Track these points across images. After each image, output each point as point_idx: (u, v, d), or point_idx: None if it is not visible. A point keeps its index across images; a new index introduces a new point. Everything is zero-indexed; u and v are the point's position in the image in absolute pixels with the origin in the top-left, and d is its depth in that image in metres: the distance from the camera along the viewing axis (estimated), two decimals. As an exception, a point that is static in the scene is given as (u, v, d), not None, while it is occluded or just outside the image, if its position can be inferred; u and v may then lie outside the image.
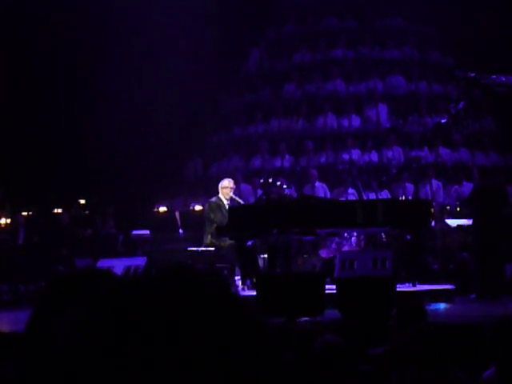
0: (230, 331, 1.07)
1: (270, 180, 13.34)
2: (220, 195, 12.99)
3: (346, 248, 14.55)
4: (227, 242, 12.38)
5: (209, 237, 12.60)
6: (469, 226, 13.33)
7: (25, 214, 16.28)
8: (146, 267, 10.47)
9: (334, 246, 14.87)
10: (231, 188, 13.11)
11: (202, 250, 12.43)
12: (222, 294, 1.12)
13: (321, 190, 16.85)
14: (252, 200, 16.14)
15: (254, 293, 10.30)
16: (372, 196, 15.84)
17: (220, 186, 13.11)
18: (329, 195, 16.73)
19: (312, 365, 5.32)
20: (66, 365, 1.07)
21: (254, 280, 11.37)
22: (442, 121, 16.57)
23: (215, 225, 12.52)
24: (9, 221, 15.69)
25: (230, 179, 13.34)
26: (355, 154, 18.77)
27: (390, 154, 18.91)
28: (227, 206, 12.78)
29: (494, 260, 12.27)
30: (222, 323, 1.07)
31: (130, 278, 1.17)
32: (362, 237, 14.55)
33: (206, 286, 1.12)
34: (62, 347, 1.10)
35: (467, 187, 15.26)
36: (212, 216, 12.66)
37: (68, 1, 19.43)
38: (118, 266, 10.32)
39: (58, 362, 1.09)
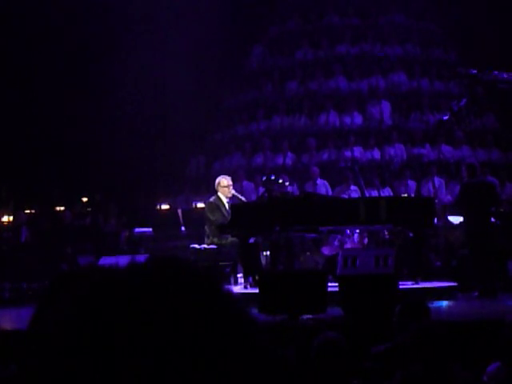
0: (216, 327, 1.07)
1: (273, 177, 13.32)
2: (219, 194, 12.81)
3: (348, 245, 14.55)
4: (229, 240, 12.36)
5: (210, 237, 12.55)
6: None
7: (27, 211, 16.29)
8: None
9: (336, 243, 14.87)
10: (230, 186, 12.96)
11: (204, 248, 12.42)
12: (211, 289, 1.11)
13: (322, 187, 16.85)
14: (254, 197, 16.14)
15: (257, 290, 10.30)
16: (374, 193, 15.85)
17: (218, 185, 12.86)
18: (330, 192, 16.73)
19: (312, 361, 5.32)
20: (62, 362, 1.07)
21: (257, 277, 11.37)
22: (444, 118, 16.55)
23: (213, 226, 12.46)
24: (11, 218, 15.71)
25: (226, 177, 13.11)
26: (357, 151, 18.78)
27: (392, 151, 18.91)
28: (227, 205, 12.70)
29: (492, 257, 12.24)
30: (210, 319, 1.07)
31: (115, 274, 1.17)
32: (364, 234, 14.55)
33: (194, 281, 1.12)
34: (54, 343, 1.10)
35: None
36: (210, 216, 12.59)
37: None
38: (121, 263, 10.30)
39: (56, 359, 1.09)
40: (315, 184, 16.87)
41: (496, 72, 14.39)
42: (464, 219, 12.72)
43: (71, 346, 1.05)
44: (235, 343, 1.08)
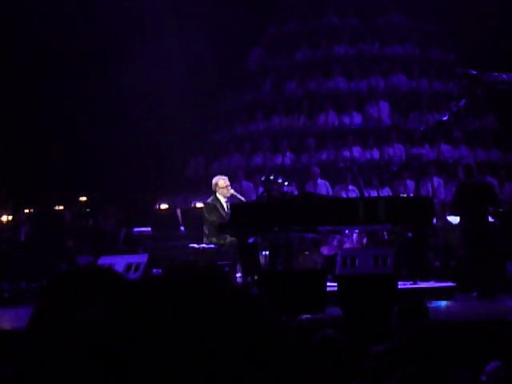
0: (236, 330, 1.07)
1: (272, 177, 13.31)
2: (217, 195, 12.78)
3: (347, 245, 14.56)
4: (227, 239, 12.36)
5: (208, 237, 12.55)
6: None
7: (26, 211, 16.28)
8: (147, 264, 10.47)
9: (335, 243, 14.88)
10: (228, 186, 12.92)
11: (203, 248, 12.42)
12: (228, 292, 1.12)
13: (323, 187, 16.86)
14: (253, 197, 16.14)
15: (255, 290, 10.30)
16: (373, 193, 15.86)
17: (216, 186, 12.78)
18: (331, 192, 16.75)
19: (311, 359, 5.32)
20: (68, 360, 1.07)
21: (255, 277, 11.37)
22: (444, 118, 16.54)
23: (211, 226, 12.46)
24: (10, 218, 15.69)
25: (224, 177, 13.02)
26: (356, 151, 18.79)
27: (391, 151, 18.91)
28: (225, 205, 12.68)
29: (490, 258, 12.22)
30: (228, 323, 1.07)
31: (142, 277, 1.17)
32: (363, 234, 14.55)
33: (210, 285, 1.12)
34: (67, 342, 1.10)
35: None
36: (208, 217, 12.58)
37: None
38: (120, 263, 10.31)
39: (60, 359, 1.09)
40: (316, 184, 16.87)
41: (495, 73, 14.38)
42: (461, 220, 12.70)
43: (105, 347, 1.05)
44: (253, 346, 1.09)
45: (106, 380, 1.03)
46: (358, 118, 19.71)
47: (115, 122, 19.05)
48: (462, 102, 15.94)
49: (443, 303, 11.18)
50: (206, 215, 12.63)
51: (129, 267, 10.28)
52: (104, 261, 10.82)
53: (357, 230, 14.19)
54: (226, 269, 12.28)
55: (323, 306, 9.54)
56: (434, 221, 13.14)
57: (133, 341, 1.04)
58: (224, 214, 12.51)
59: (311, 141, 19.19)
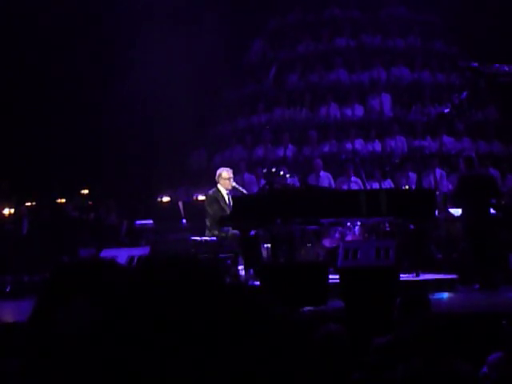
0: (229, 321, 1.08)
1: (274, 170, 13.30)
2: (219, 186, 12.77)
3: (349, 237, 14.55)
4: (229, 232, 12.35)
5: (210, 229, 12.54)
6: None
7: (28, 204, 16.27)
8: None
9: (337, 235, 14.87)
10: (231, 178, 12.91)
11: (205, 240, 12.42)
12: (219, 284, 1.12)
13: (326, 179, 16.86)
14: (255, 190, 16.13)
15: (257, 283, 10.31)
16: (375, 185, 15.85)
17: (219, 177, 12.79)
18: (334, 185, 16.75)
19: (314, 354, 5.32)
20: (69, 352, 1.07)
21: (257, 270, 11.37)
22: (445, 111, 16.53)
23: (213, 219, 12.46)
24: (12, 211, 15.69)
25: (228, 169, 13.03)
26: (358, 143, 18.78)
27: (393, 143, 18.91)
28: (227, 197, 12.67)
29: (492, 250, 12.22)
30: (221, 314, 1.08)
31: (133, 268, 1.17)
32: (365, 226, 14.54)
33: (202, 278, 1.12)
34: (67, 335, 1.10)
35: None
36: (209, 210, 12.58)
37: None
38: (122, 255, 10.32)
39: (60, 350, 1.09)
40: (318, 176, 16.87)
41: (497, 65, 14.37)
42: (463, 212, 12.71)
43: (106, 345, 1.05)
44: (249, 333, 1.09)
45: (106, 370, 1.03)
46: (359, 110, 19.70)
47: (117, 115, 19.03)
48: (464, 94, 15.94)
49: (445, 295, 11.19)
50: (208, 207, 12.63)
51: (131, 260, 10.29)
52: (106, 253, 10.85)
53: (359, 222, 14.19)
54: (228, 261, 12.29)
55: (325, 299, 9.55)
56: (436, 213, 13.12)
57: (131, 335, 1.04)
58: (225, 206, 12.50)
59: (313, 133, 19.18)
